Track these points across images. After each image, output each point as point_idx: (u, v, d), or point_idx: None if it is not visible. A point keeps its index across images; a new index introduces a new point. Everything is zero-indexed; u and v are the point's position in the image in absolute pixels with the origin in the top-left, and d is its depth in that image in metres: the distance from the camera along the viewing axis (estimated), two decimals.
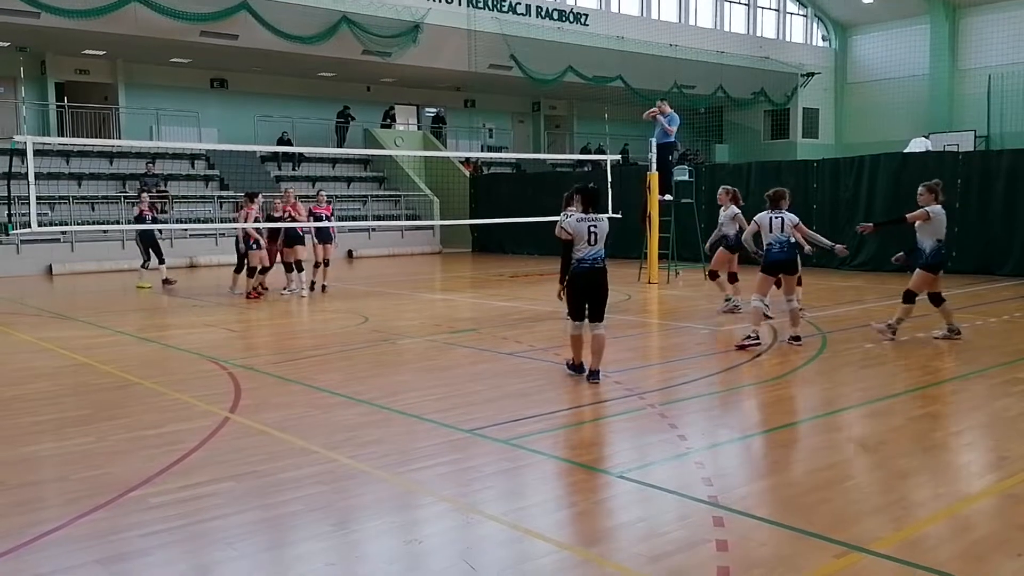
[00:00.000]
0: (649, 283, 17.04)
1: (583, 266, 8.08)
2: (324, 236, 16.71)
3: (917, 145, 23.18)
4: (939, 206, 10.05)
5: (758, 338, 9.94)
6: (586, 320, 8.24)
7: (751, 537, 4.54)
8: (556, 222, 8.49)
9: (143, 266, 18.21)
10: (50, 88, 27.74)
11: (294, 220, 16.05)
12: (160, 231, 18.81)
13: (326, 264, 16.74)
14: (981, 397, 7.78)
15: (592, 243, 8.04)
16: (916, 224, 10.13)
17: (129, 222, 21.35)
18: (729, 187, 13.58)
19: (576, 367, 8.46)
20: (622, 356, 9.84)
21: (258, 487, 5.43)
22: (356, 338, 11.37)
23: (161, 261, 18.26)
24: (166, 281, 18.11)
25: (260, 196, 16.34)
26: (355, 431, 6.70)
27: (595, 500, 5.27)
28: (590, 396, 7.78)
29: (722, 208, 13.22)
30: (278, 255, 16.28)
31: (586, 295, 8.18)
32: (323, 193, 17.62)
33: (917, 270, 10.25)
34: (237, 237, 16.19)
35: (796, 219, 10.17)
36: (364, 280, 16.11)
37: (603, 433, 6.75)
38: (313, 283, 16.54)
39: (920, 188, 10.21)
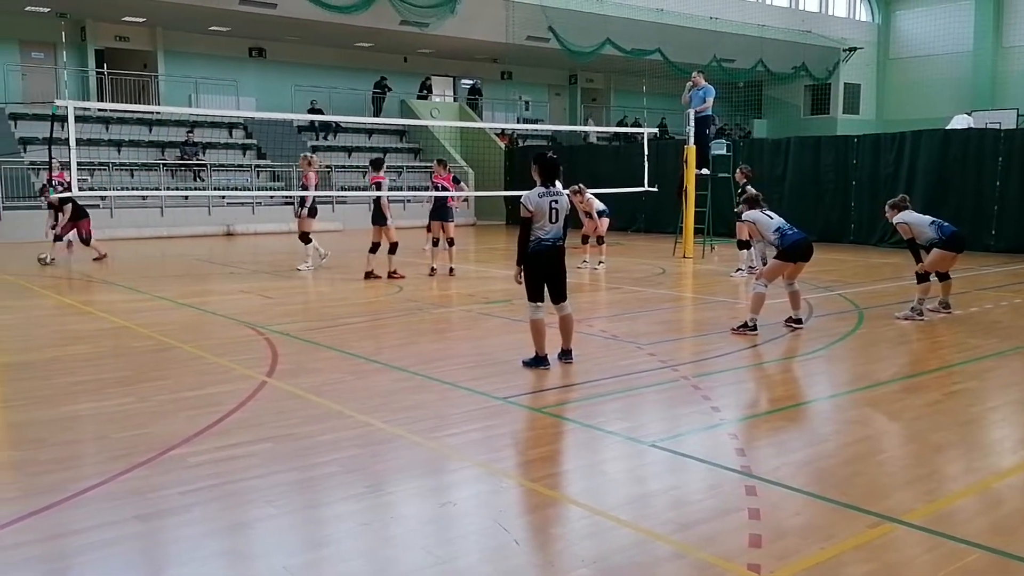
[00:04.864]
0: (684, 257, 17.00)
1: (544, 244, 7.53)
2: (442, 212, 14.46)
3: (959, 122, 22.83)
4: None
5: (756, 327, 9.20)
6: (547, 303, 7.70)
7: (784, 507, 4.55)
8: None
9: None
10: (90, 55, 27.98)
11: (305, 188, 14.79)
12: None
13: (450, 243, 14.42)
14: (1018, 374, 7.70)
15: (553, 220, 7.51)
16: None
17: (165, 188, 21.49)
18: None
19: (541, 359, 7.64)
20: (656, 328, 9.84)
21: (295, 449, 5.51)
22: (391, 307, 11.44)
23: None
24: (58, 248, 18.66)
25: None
26: (389, 397, 6.77)
27: (627, 468, 5.28)
28: (623, 367, 7.79)
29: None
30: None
31: (548, 276, 7.64)
32: (445, 161, 15.48)
33: (935, 250, 10.00)
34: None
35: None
36: (399, 251, 16.11)
37: (636, 403, 6.76)
38: (433, 268, 14.59)
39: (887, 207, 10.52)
